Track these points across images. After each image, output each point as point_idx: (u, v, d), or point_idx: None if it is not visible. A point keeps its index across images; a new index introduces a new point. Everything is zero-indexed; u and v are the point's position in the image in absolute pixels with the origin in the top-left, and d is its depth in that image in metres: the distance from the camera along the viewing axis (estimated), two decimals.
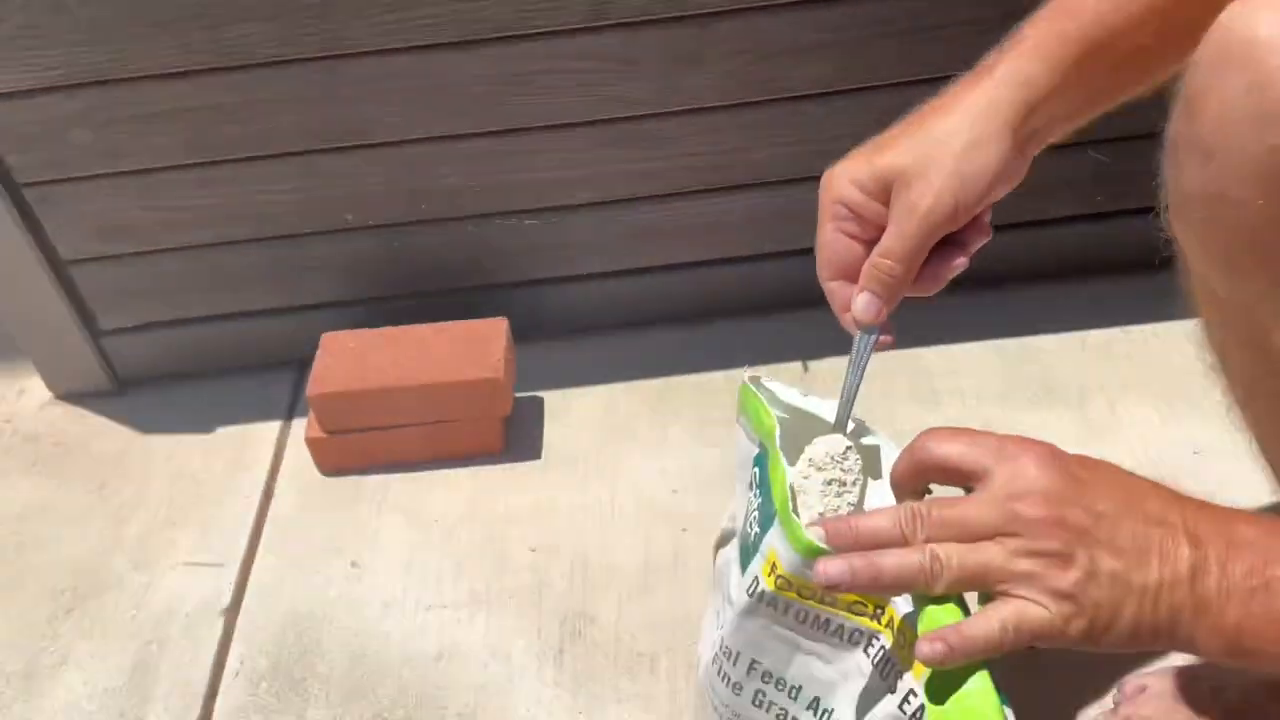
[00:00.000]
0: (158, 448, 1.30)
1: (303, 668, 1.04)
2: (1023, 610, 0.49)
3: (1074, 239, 1.37)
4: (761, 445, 0.65)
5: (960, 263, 0.59)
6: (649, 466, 1.22)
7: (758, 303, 1.39)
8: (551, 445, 1.26)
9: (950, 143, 0.52)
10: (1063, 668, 0.92)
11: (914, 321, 1.44)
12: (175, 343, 1.35)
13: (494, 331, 1.24)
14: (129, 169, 1.16)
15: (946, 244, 0.57)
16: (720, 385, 1.31)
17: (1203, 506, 0.52)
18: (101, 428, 1.33)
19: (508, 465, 1.24)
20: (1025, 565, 0.49)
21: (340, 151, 1.17)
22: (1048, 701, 0.91)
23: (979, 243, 0.59)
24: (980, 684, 0.50)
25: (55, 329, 1.29)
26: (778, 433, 0.62)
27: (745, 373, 0.68)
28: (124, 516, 1.21)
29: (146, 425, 1.33)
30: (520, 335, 1.31)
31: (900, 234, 0.55)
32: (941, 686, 0.51)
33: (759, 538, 0.60)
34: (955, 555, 0.50)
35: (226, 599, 1.11)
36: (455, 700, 1.00)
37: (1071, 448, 0.54)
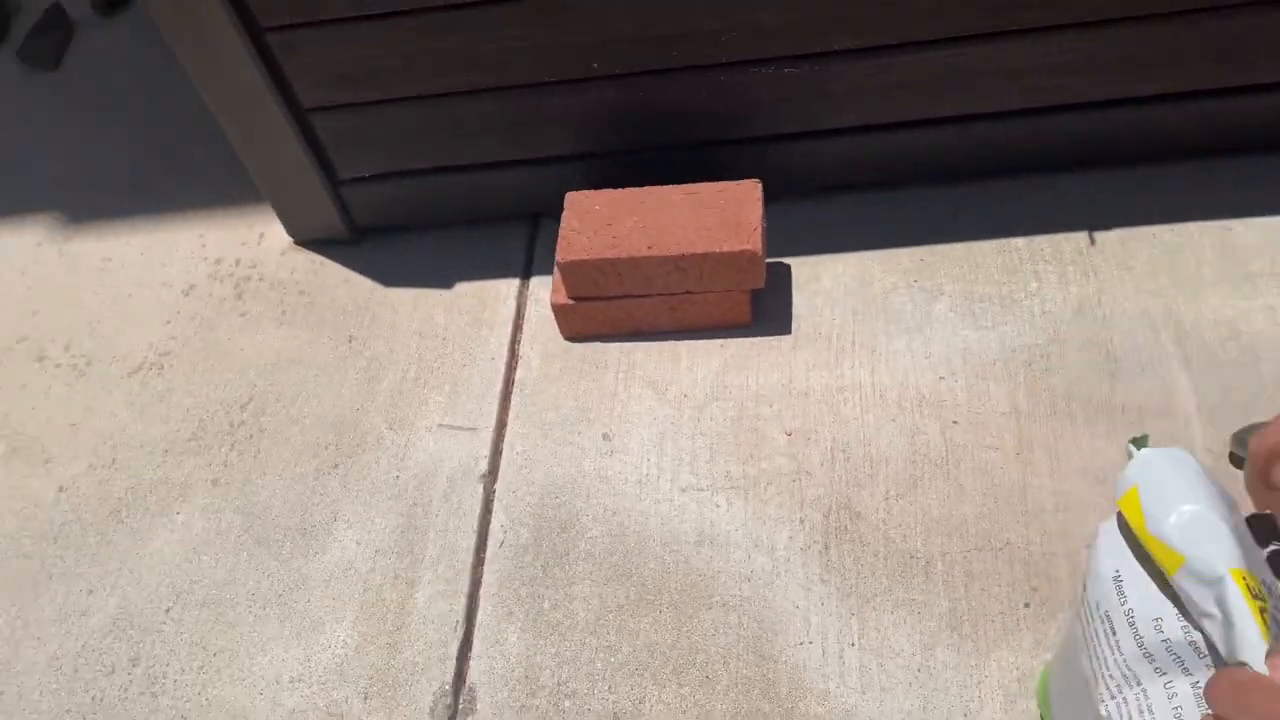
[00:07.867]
0: (399, 301, 1.29)
1: (565, 542, 1.04)
2: None
3: None
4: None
5: None
6: (911, 348, 1.13)
7: (1034, 161, 1.24)
8: (801, 318, 1.18)
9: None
10: None
11: (1214, 185, 1.25)
12: (410, 193, 1.31)
13: (748, 196, 1.14)
14: (372, 12, 1.09)
15: None
16: (990, 255, 1.19)
17: None
18: (342, 277, 1.33)
19: (756, 339, 1.17)
20: None
21: None
22: None
23: None
24: None
25: (295, 176, 1.27)
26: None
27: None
28: (375, 373, 1.22)
29: (385, 276, 1.32)
30: (766, 194, 1.21)
31: None
32: None
33: None
34: None
35: (484, 465, 1.12)
36: (721, 590, 0.99)
37: None
